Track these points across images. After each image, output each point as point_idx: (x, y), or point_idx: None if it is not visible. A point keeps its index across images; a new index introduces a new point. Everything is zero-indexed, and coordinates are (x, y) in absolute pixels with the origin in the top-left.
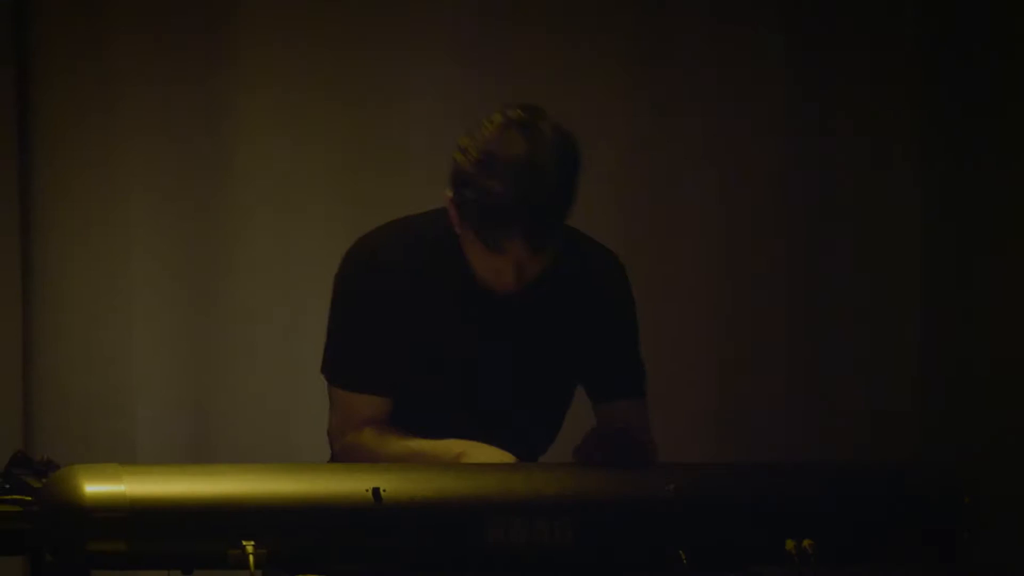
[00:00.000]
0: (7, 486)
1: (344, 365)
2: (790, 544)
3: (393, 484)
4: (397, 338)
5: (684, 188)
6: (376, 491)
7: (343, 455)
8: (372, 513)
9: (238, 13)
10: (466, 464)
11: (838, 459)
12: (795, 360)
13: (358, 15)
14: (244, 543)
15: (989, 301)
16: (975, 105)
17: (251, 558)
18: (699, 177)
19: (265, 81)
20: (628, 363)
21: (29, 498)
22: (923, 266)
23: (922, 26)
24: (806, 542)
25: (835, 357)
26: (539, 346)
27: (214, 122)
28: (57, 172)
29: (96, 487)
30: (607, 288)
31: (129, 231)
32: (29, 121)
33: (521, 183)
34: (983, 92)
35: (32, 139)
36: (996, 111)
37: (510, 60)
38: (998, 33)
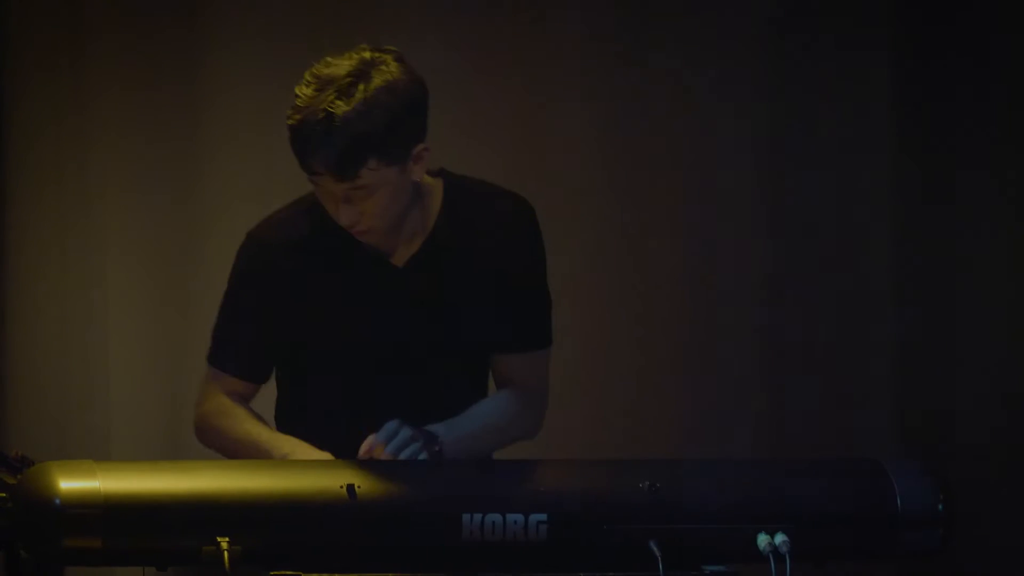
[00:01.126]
0: None
1: (214, 345)
2: (763, 539)
3: (367, 480)
4: (272, 323)
5: (668, 188)
6: (351, 487)
7: (199, 424)
8: (346, 509)
9: (215, 11)
10: (443, 460)
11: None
12: (772, 359)
13: (335, 11)
14: (219, 539)
15: (980, 298)
16: (958, 99)
17: (226, 554)
18: (683, 177)
19: (242, 80)
20: (536, 316)
21: (3, 494)
22: (895, 264)
23: (904, 21)
24: (779, 537)
25: (813, 356)
26: (434, 307)
27: (190, 121)
28: (31, 169)
29: (71, 483)
30: (507, 240)
31: (104, 226)
32: (3, 118)
33: (315, 100)
34: (967, 87)
35: (6, 136)
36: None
37: (492, 57)
38: (986, 24)
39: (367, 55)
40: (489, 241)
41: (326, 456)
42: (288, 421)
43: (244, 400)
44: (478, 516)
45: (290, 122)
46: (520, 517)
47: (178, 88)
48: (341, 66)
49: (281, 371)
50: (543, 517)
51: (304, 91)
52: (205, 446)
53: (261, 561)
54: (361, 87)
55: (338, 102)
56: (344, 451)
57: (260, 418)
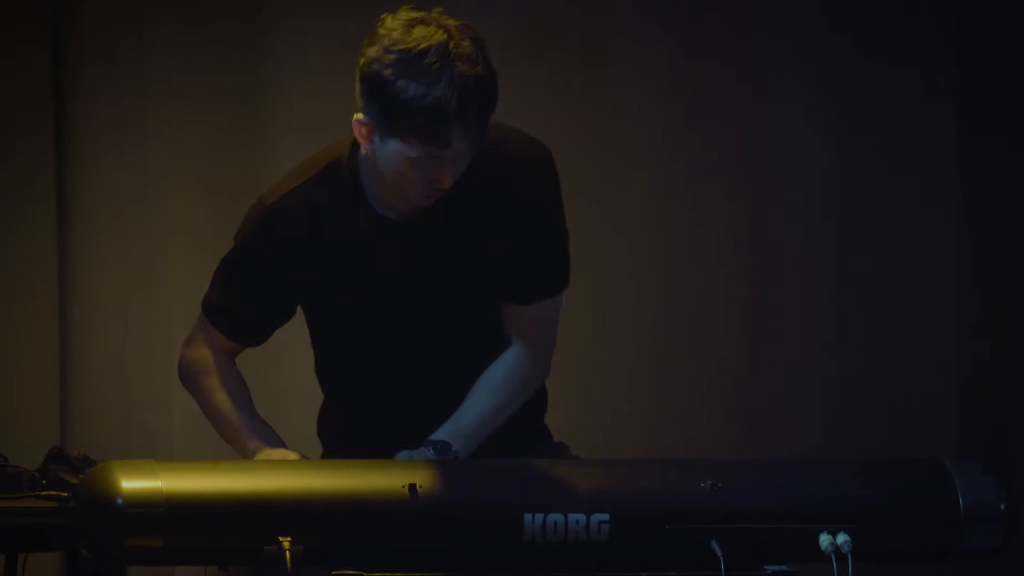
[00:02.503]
0: (44, 482)
1: (210, 296)
2: (825, 539)
3: (429, 480)
4: (279, 288)
5: (706, 185)
6: (412, 487)
7: (182, 368)
8: (409, 509)
9: (273, 7)
10: (501, 460)
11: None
12: (828, 359)
13: (395, 7)
14: (280, 539)
15: None
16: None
17: (288, 554)
18: (727, 176)
19: (300, 74)
20: (548, 262)
21: (66, 494)
22: (958, 262)
23: (960, 23)
24: (841, 537)
25: (866, 356)
26: (445, 257)
27: (249, 113)
28: (92, 168)
29: (132, 483)
30: (522, 192)
31: (165, 226)
32: (65, 116)
33: (450, 73)
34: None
35: (67, 133)
36: None
37: (544, 55)
38: None
39: (450, 22)
40: (502, 183)
41: (291, 455)
42: (324, 382)
43: (230, 357)
44: (540, 516)
45: (436, 93)
46: (582, 517)
47: (237, 80)
48: (440, 31)
49: (311, 334)
50: (605, 517)
51: (420, 69)
52: (184, 387)
53: (323, 561)
54: (479, 55)
55: (468, 71)
56: (375, 415)
57: (240, 391)
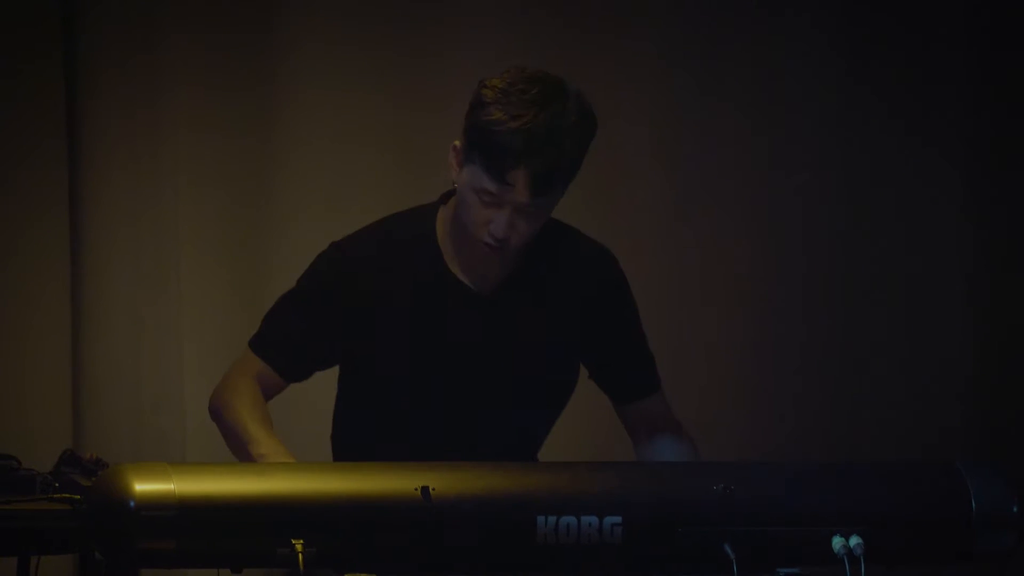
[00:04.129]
0: (57, 484)
1: (263, 331)
2: (838, 542)
3: (442, 483)
4: (329, 331)
5: (720, 189)
6: (425, 489)
7: (212, 397)
8: (421, 512)
9: (288, 14)
10: (513, 463)
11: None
12: (844, 361)
13: (409, 16)
14: (293, 542)
15: None
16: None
17: (300, 556)
18: (737, 179)
19: (315, 81)
20: (640, 357)
21: (78, 496)
22: (972, 263)
23: (970, 30)
24: (854, 540)
25: (888, 357)
26: (513, 343)
27: (264, 123)
28: (106, 170)
29: (145, 486)
30: (605, 284)
31: (178, 228)
32: (77, 126)
33: (538, 114)
34: None
35: (80, 142)
36: None
37: (562, 63)
38: None
39: (551, 79)
40: (577, 278)
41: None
42: (346, 429)
43: (265, 391)
44: (552, 518)
45: (514, 124)
46: (595, 519)
47: (253, 90)
48: (557, 80)
49: (344, 384)
50: (618, 519)
51: (515, 100)
52: (212, 418)
53: (335, 563)
54: (582, 115)
55: (561, 117)
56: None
57: (263, 412)
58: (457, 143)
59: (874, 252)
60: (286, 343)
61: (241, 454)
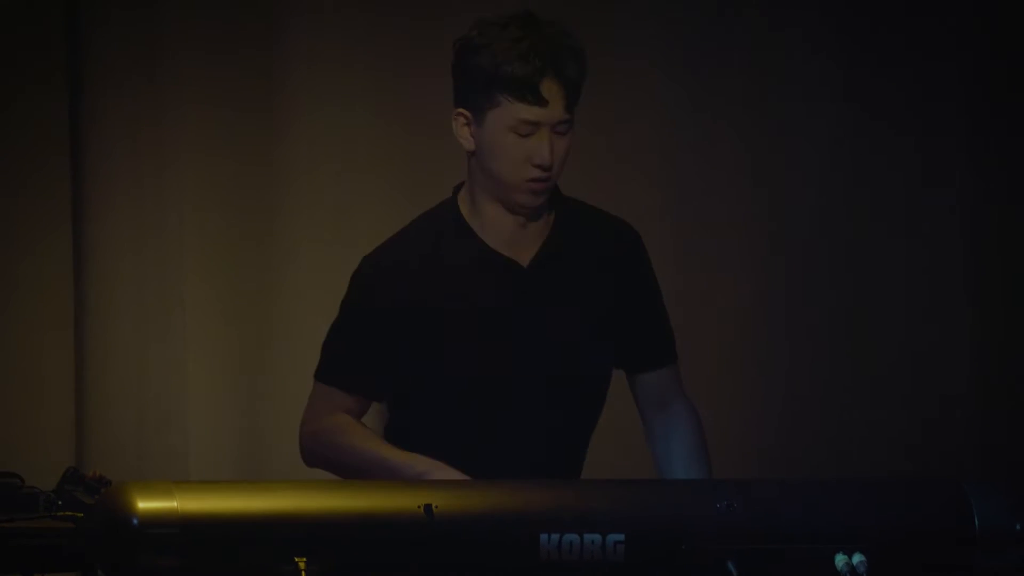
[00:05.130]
0: (60, 502)
1: (326, 361)
2: (841, 560)
3: (445, 501)
4: (392, 339)
5: (720, 188)
6: (428, 507)
7: (308, 443)
8: (424, 529)
9: (293, 36)
10: (518, 480)
11: (889, 475)
12: (837, 370)
13: (414, 39)
14: (296, 559)
15: None
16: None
17: (303, 574)
18: (736, 178)
19: (320, 104)
20: (661, 328)
21: (81, 515)
22: (975, 275)
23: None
24: (857, 558)
25: (892, 373)
26: (565, 317)
27: (267, 140)
28: (108, 191)
29: (148, 504)
30: (629, 256)
31: (182, 248)
32: (82, 143)
33: (543, 31)
34: None
35: (83, 155)
36: None
37: None
38: None
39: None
40: (603, 250)
41: (463, 477)
42: (407, 445)
43: (358, 418)
44: (555, 536)
45: (527, 42)
46: (598, 537)
47: (257, 112)
48: (526, 14)
49: (402, 394)
50: (620, 537)
51: (513, 28)
52: (311, 466)
53: None
54: (563, 29)
55: (555, 33)
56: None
57: (380, 437)
58: (462, 110)
59: (870, 261)
60: (357, 364)
61: (387, 473)
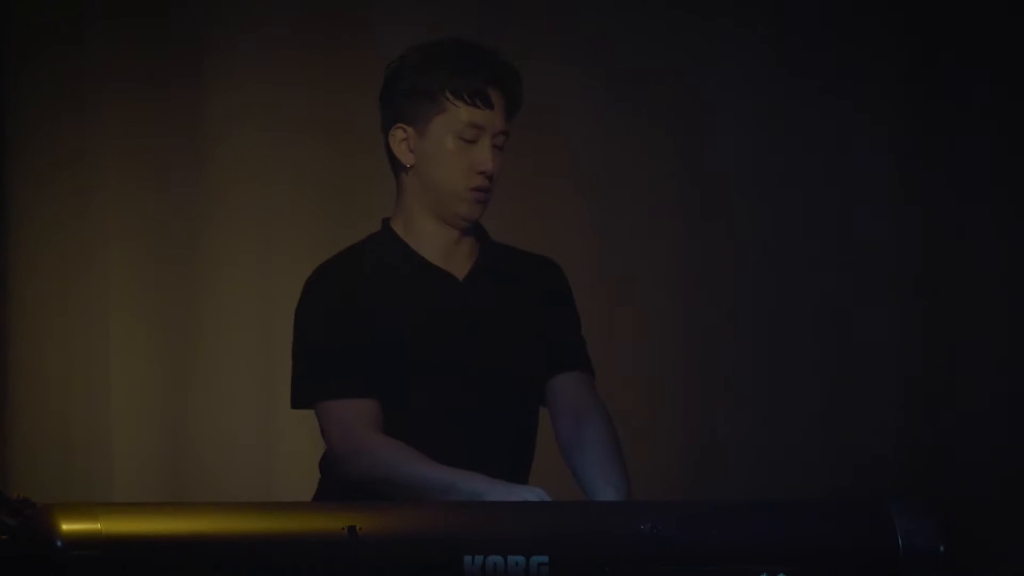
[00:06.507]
0: None
1: (322, 377)
2: None
3: (368, 522)
4: (362, 342)
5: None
6: (352, 529)
7: (355, 461)
8: (347, 551)
9: (219, 57)
10: (442, 501)
11: (815, 495)
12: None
13: (341, 57)
14: None
15: (985, 331)
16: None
17: None
18: (713, 183)
19: (244, 131)
20: (576, 338)
21: (4, 536)
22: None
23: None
24: None
25: (816, 390)
26: (499, 325)
27: (193, 168)
28: (33, 215)
29: (72, 525)
30: (552, 279)
31: (107, 272)
32: (7, 170)
33: (476, 45)
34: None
35: (8, 182)
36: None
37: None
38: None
39: None
40: (528, 272)
41: (524, 490)
42: None
43: (380, 425)
44: (479, 558)
45: (472, 52)
46: (521, 559)
47: (178, 143)
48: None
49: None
50: (544, 559)
51: (450, 46)
52: (359, 486)
53: None
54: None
55: (485, 46)
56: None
57: (417, 452)
58: (402, 125)
59: (802, 278)
60: (350, 368)
61: (442, 491)
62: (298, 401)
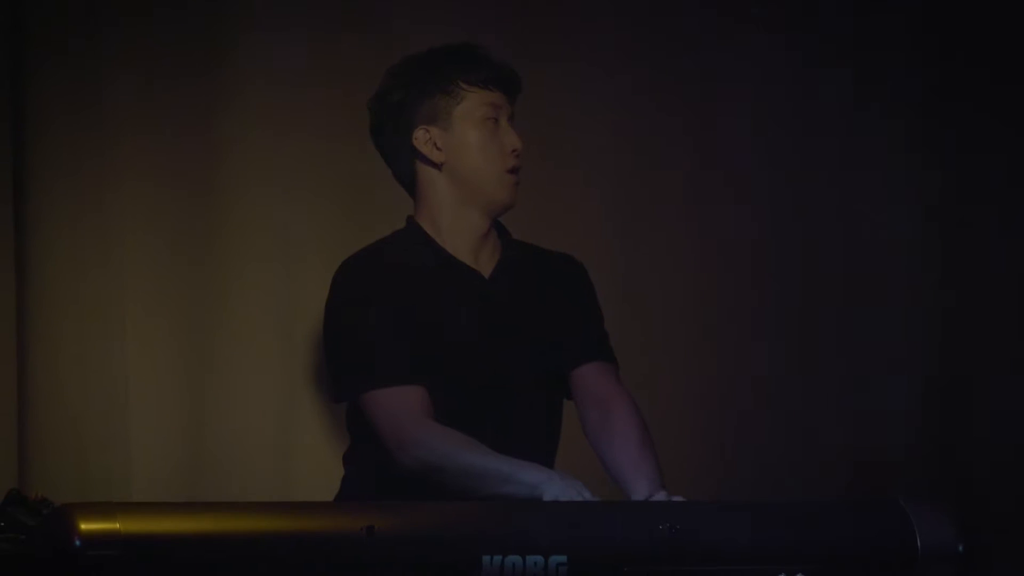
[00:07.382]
0: (2, 524)
1: (366, 367)
2: None
3: (386, 522)
4: (401, 329)
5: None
6: (369, 528)
7: (410, 450)
8: (366, 551)
9: (233, 63)
10: (460, 501)
11: (831, 495)
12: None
13: (359, 62)
14: None
15: (1009, 333)
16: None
17: None
18: (702, 186)
19: (262, 131)
20: (600, 332)
21: (24, 536)
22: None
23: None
24: None
25: (836, 391)
26: (525, 321)
27: (208, 171)
28: (50, 215)
29: (90, 525)
30: (575, 277)
31: (125, 275)
32: (24, 168)
33: (448, 44)
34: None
35: (26, 185)
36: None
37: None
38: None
39: None
40: (552, 270)
41: (571, 488)
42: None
43: (432, 412)
44: (498, 558)
45: (467, 50)
46: (540, 559)
47: (197, 139)
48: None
49: None
50: (563, 559)
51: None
52: (417, 477)
53: None
54: None
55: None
56: None
57: (474, 441)
58: (424, 127)
59: (824, 287)
60: (395, 354)
61: (500, 490)
62: (343, 394)
